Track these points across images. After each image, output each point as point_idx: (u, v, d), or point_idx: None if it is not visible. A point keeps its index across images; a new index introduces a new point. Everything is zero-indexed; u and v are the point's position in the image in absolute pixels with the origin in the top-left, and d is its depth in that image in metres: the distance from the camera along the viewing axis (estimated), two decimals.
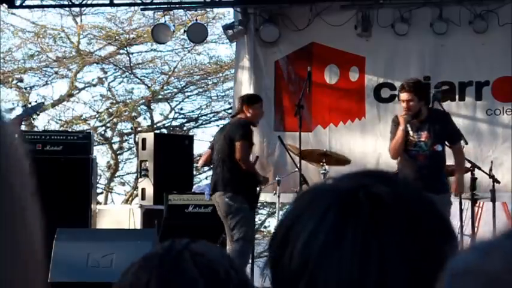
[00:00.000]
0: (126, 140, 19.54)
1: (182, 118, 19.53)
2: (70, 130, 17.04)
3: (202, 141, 19.10)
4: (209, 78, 18.61)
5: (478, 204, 9.38)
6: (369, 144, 10.12)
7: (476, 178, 8.46)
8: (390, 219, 1.04)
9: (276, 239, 1.10)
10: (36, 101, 8.74)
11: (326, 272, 1.02)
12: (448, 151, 8.69)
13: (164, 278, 1.36)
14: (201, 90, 19.00)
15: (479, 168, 8.50)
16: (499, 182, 8.71)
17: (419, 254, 1.04)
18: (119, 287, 1.43)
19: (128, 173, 19.76)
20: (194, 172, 10.87)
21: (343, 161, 8.81)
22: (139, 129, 18.26)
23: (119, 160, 19.36)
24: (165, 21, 10.67)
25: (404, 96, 7.52)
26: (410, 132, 7.43)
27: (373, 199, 1.05)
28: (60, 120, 18.70)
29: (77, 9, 15.52)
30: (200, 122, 19.41)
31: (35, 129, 16.60)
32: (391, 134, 7.72)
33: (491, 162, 8.90)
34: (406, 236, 1.04)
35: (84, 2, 10.64)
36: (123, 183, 19.82)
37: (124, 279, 1.43)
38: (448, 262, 0.86)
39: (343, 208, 1.05)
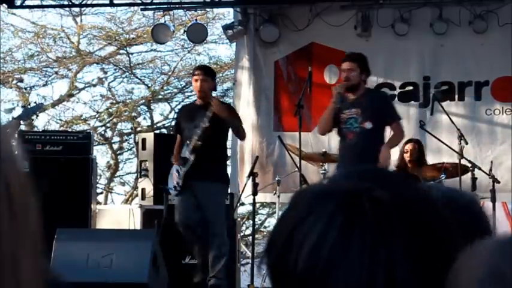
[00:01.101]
0: (126, 140, 19.55)
1: None
2: (70, 130, 17.04)
3: None
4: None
5: None
6: None
7: (476, 178, 8.46)
8: (393, 222, 1.04)
9: (278, 240, 1.09)
10: (35, 102, 8.72)
11: (335, 275, 1.02)
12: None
13: None
14: None
15: (479, 168, 8.50)
16: (498, 182, 8.71)
17: (424, 255, 1.04)
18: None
19: (127, 173, 19.77)
20: None
21: None
22: (139, 129, 18.27)
23: (119, 160, 19.37)
24: (165, 22, 10.68)
25: (346, 65, 7.25)
26: (344, 110, 7.10)
27: (375, 203, 1.05)
28: (60, 120, 18.71)
29: (77, 9, 15.52)
30: None
31: (35, 129, 16.60)
32: None
33: (491, 162, 8.90)
34: (410, 239, 1.04)
35: (84, 2, 10.64)
36: (123, 183, 19.83)
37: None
38: (472, 265, 0.86)
39: (350, 212, 1.05)
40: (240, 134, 7.89)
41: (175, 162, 7.82)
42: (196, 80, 7.77)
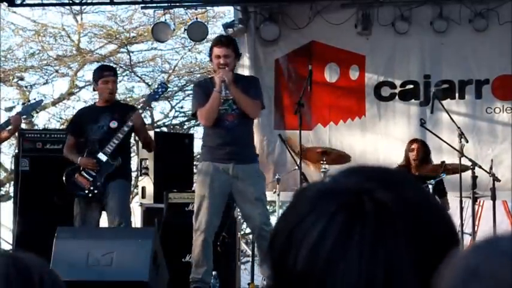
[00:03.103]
0: None
1: (182, 116, 19.53)
2: None
3: None
4: (209, 77, 18.61)
5: (478, 202, 9.37)
6: (369, 142, 10.13)
7: (477, 176, 8.46)
8: (395, 223, 1.04)
9: (278, 239, 1.09)
10: (35, 99, 8.71)
11: (334, 274, 1.02)
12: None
13: None
14: None
15: (479, 167, 8.50)
16: (499, 180, 8.71)
17: (426, 256, 1.04)
18: None
19: None
20: (194, 170, 10.84)
21: (343, 157, 8.78)
22: None
23: None
24: (166, 20, 10.67)
25: (222, 51, 6.89)
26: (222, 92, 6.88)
27: (377, 204, 1.04)
28: (60, 118, 18.71)
29: (78, 7, 15.53)
30: None
31: (35, 127, 16.61)
32: (194, 99, 7.27)
33: (491, 160, 8.91)
34: (412, 240, 1.04)
35: (84, 1, 10.64)
36: None
37: None
38: (457, 262, 0.86)
39: (351, 211, 1.04)
40: (150, 147, 8.18)
41: (90, 166, 7.75)
42: (107, 82, 7.75)
